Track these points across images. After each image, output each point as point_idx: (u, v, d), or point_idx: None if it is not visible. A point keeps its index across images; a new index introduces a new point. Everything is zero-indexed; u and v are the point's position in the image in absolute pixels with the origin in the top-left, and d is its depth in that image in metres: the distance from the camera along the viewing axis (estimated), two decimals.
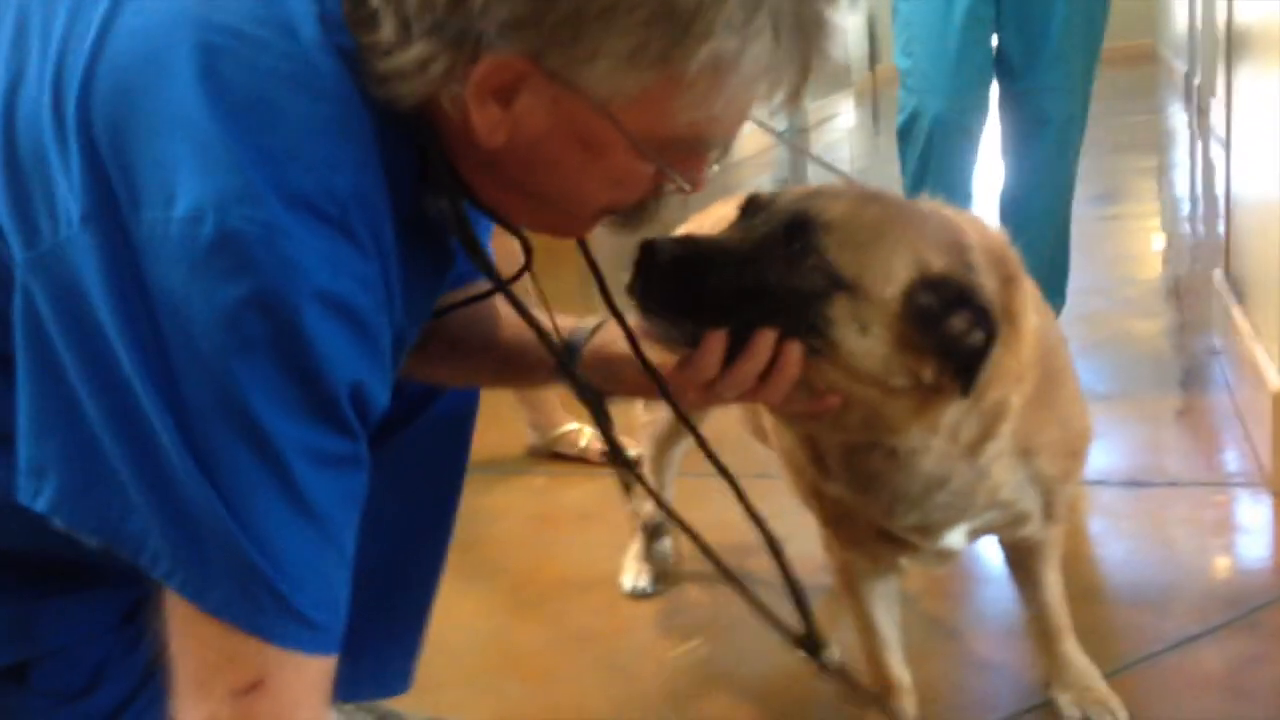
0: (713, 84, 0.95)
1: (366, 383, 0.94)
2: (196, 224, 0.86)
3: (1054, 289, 2.91)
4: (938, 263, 1.18)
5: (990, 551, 1.68)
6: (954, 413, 1.23)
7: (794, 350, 1.14)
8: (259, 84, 0.90)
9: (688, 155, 1.04)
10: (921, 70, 2.76)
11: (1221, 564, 2.07)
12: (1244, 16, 2.93)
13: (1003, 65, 2.79)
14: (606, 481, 2.62)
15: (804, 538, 1.57)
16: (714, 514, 2.45)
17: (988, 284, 1.20)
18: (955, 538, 1.41)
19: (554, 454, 2.78)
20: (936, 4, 2.71)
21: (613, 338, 1.26)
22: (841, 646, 1.71)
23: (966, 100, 2.75)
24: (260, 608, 0.90)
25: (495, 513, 2.56)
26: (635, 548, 2.17)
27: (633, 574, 2.14)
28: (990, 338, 1.16)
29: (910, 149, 2.81)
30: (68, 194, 0.88)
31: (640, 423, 2.11)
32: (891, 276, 1.16)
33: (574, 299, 1.38)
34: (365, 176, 0.94)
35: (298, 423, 0.90)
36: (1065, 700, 1.64)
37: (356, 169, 0.93)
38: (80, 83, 0.90)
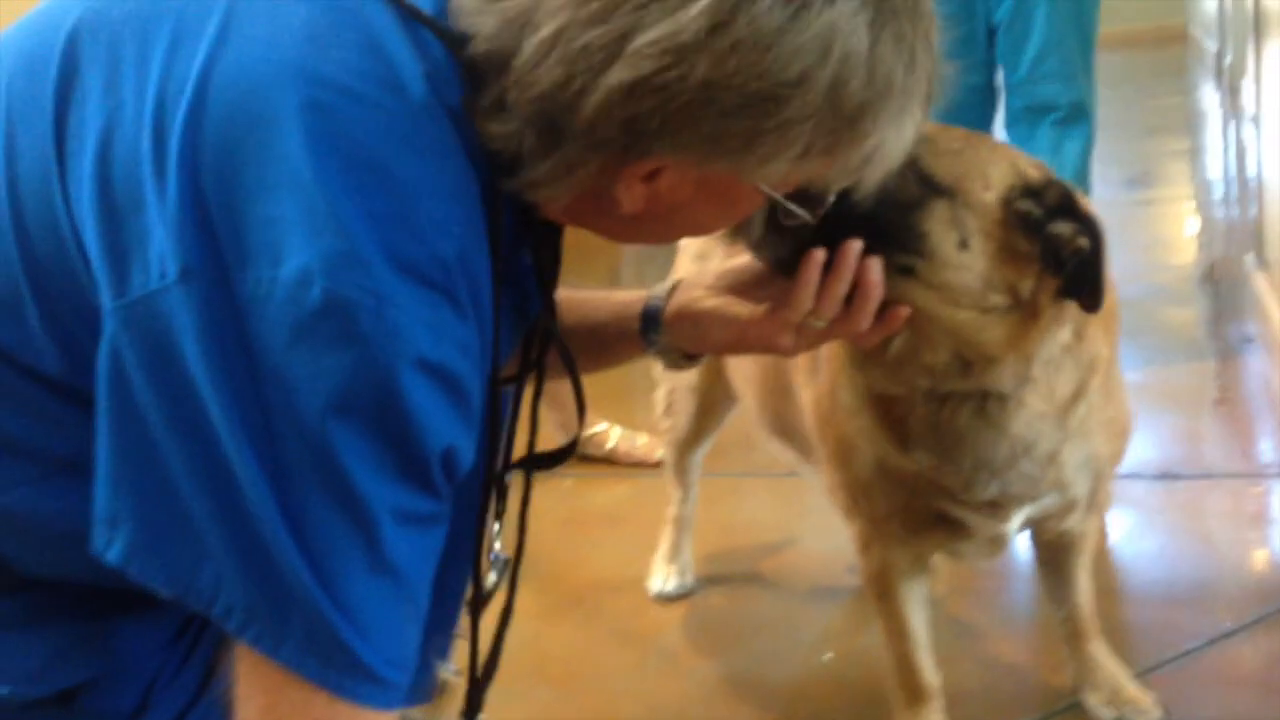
0: (866, 164, 0.99)
1: (458, 445, 0.95)
2: (304, 287, 0.86)
3: None
4: (1034, 172, 1.18)
5: (1015, 551, 1.66)
6: (1056, 348, 1.22)
7: (875, 267, 1.12)
8: (367, 145, 0.90)
9: (816, 192, 1.06)
10: None
11: (1258, 557, 2.05)
12: None
13: (1000, 60, 2.76)
14: (635, 483, 2.62)
15: (827, 537, 1.57)
16: (733, 514, 2.47)
17: (1102, 230, 1.20)
18: (1016, 522, 1.39)
19: (582, 455, 2.78)
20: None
21: (693, 298, 1.25)
22: (863, 651, 1.71)
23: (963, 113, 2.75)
24: (333, 663, 0.91)
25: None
26: (662, 549, 2.16)
27: (661, 577, 2.13)
28: (1097, 244, 1.15)
29: None
30: (164, 242, 0.88)
31: (661, 428, 2.11)
32: (991, 182, 1.17)
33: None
34: (469, 238, 0.94)
35: (389, 485, 0.91)
36: (1096, 701, 1.62)
37: (462, 231, 0.93)
38: (184, 129, 0.89)
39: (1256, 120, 3.13)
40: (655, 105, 0.91)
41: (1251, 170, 3.43)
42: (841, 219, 1.12)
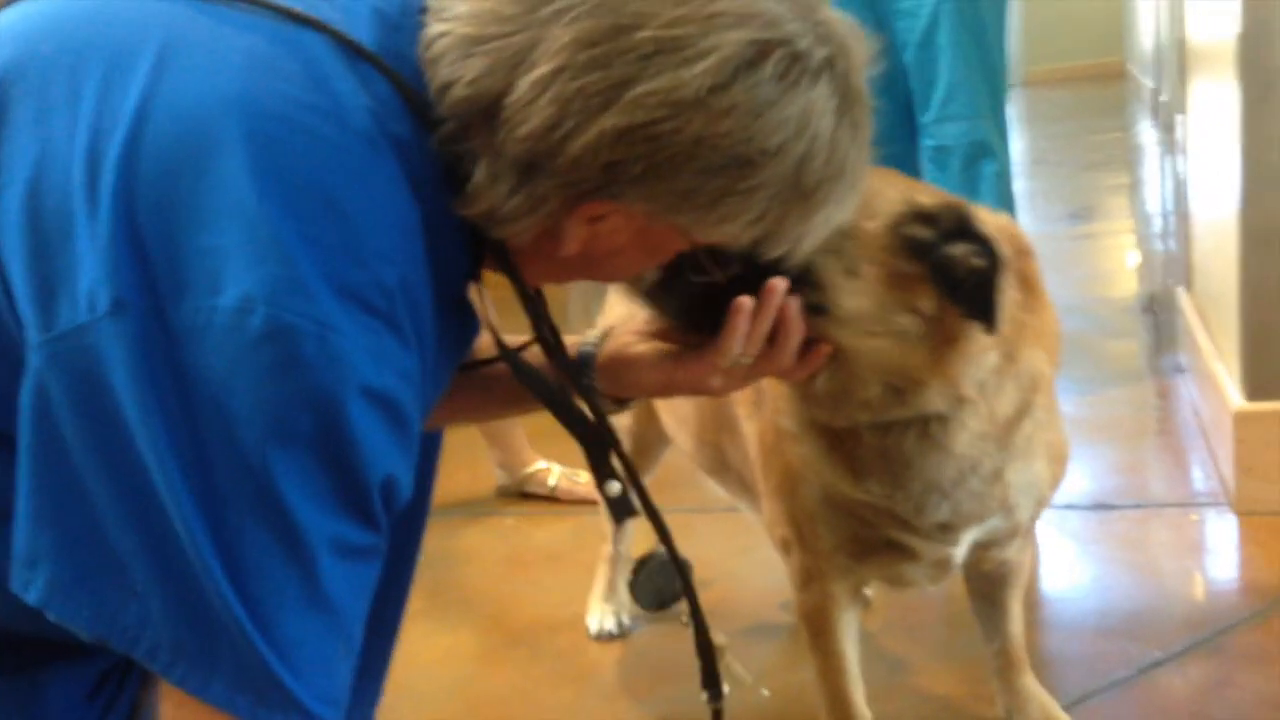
0: (803, 236, 1.04)
1: (397, 475, 0.95)
2: (245, 314, 0.85)
3: None
4: (928, 200, 1.21)
5: (952, 588, 1.66)
6: (983, 374, 1.24)
7: (793, 305, 1.15)
8: (310, 174, 0.90)
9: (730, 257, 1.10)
10: None
11: (1188, 587, 2.07)
12: (1196, 34, 2.96)
13: (913, 99, 2.80)
14: (576, 521, 2.61)
15: (764, 573, 1.57)
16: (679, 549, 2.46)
17: (1002, 250, 1.21)
18: (964, 544, 1.40)
19: (523, 493, 2.77)
20: None
21: (625, 343, 1.27)
22: (798, 687, 1.70)
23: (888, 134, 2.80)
24: (265, 700, 0.90)
25: (464, 555, 2.55)
26: (598, 588, 2.15)
27: (598, 616, 2.12)
28: (994, 263, 1.17)
29: None
30: (95, 274, 0.87)
31: None
32: (875, 211, 1.19)
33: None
34: (412, 267, 0.95)
35: (329, 516, 0.90)
36: None
37: (404, 259, 0.94)
38: (119, 160, 0.88)
39: (1185, 157, 3.20)
40: (643, 153, 0.93)
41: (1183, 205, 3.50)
42: (736, 277, 1.13)
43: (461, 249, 1.03)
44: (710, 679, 1.30)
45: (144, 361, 0.86)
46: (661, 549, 1.22)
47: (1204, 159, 2.76)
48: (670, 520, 2.62)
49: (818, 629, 1.53)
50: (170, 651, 0.89)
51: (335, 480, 0.89)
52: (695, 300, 1.16)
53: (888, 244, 1.19)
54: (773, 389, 1.43)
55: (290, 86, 0.92)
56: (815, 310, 1.19)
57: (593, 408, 1.23)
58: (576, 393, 1.25)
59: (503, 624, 2.22)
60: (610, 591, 2.14)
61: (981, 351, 1.25)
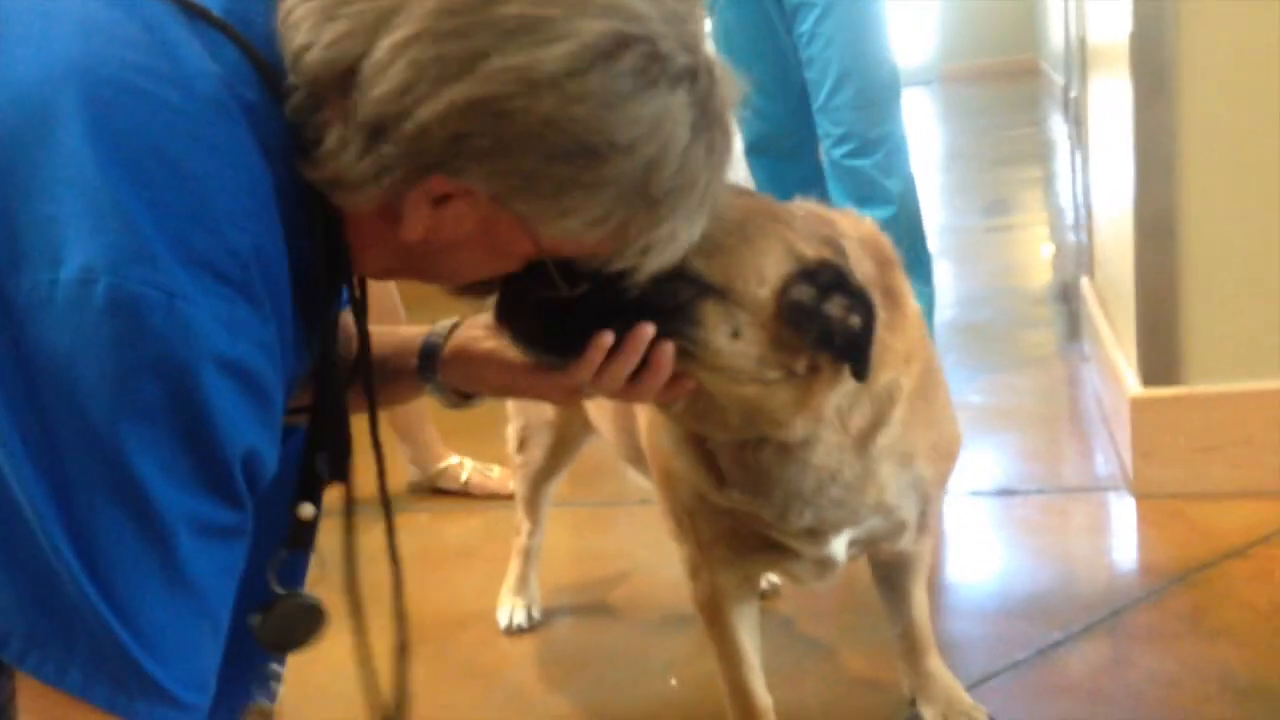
0: (649, 250, 1.02)
1: (259, 449, 0.92)
2: (87, 286, 0.82)
3: (920, 278, 2.95)
4: (810, 252, 1.19)
5: (860, 573, 1.68)
6: (841, 398, 1.25)
7: (666, 351, 1.13)
8: (154, 140, 0.87)
9: (579, 266, 1.07)
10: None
11: (1087, 569, 2.12)
12: (1094, 33, 3.03)
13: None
14: (488, 516, 2.60)
15: (674, 564, 1.57)
16: (588, 543, 2.47)
17: (864, 269, 1.23)
18: (840, 545, 1.41)
19: (435, 489, 2.75)
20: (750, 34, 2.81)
21: (472, 337, 1.25)
22: (706, 675, 1.71)
23: (788, 124, 2.86)
24: (124, 687, 0.87)
25: (376, 552, 2.52)
26: (509, 582, 2.15)
27: (507, 610, 2.12)
28: (869, 319, 1.18)
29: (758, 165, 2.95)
30: None
31: (515, 463, 2.10)
32: (765, 276, 1.17)
33: None
34: (265, 233, 0.92)
35: (187, 493, 0.87)
36: (931, 714, 1.66)
37: (257, 226, 0.91)
38: None
39: (1085, 152, 3.27)
40: (491, 128, 0.92)
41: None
42: (618, 304, 1.11)
43: (311, 215, 1.00)
44: None
45: None
46: (301, 593, 1.14)
47: (1103, 152, 2.83)
48: (585, 513, 2.65)
49: (710, 618, 1.55)
50: (23, 640, 0.86)
51: (191, 456, 0.87)
52: (544, 319, 1.13)
53: (775, 310, 1.17)
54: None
55: (130, 52, 0.90)
56: (680, 352, 1.16)
57: (444, 399, 1.22)
58: (422, 381, 1.24)
59: (413, 620, 2.20)
60: (521, 585, 2.14)
61: (834, 394, 1.25)
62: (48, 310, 0.83)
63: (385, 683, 2.01)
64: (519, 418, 2.04)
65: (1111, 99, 2.56)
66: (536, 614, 2.12)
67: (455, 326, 1.26)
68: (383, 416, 2.76)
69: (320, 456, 1.08)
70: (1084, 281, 3.18)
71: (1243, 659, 1.73)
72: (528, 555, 2.14)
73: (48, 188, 0.84)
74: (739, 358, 1.17)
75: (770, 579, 2.04)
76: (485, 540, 2.46)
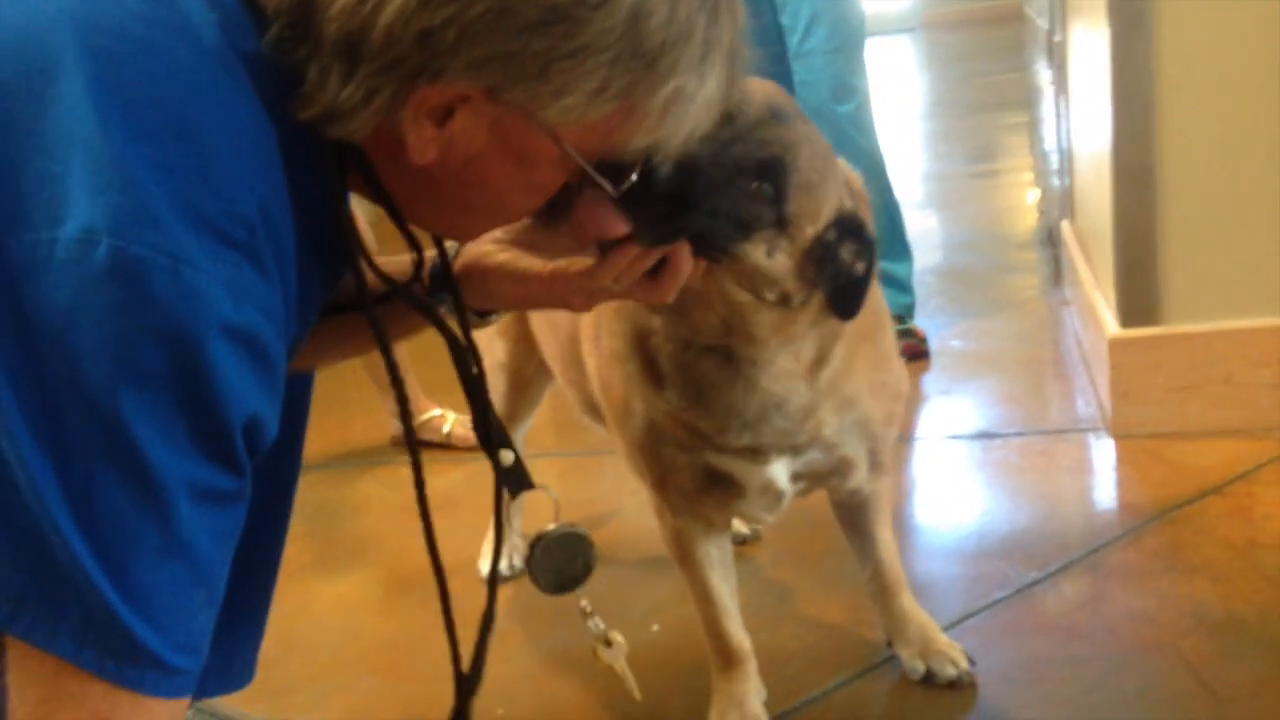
0: (665, 115, 0.97)
1: (262, 415, 0.91)
2: (88, 247, 0.80)
3: (897, 250, 2.94)
4: (847, 202, 1.29)
5: (833, 517, 1.69)
6: (803, 325, 1.30)
7: (688, 257, 1.13)
8: (158, 94, 0.85)
9: (619, 165, 1.04)
10: None
11: (1065, 509, 2.13)
12: None
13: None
14: (471, 468, 2.60)
15: (638, 510, 1.58)
16: (569, 494, 2.47)
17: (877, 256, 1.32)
18: (780, 472, 1.42)
19: (417, 441, 2.74)
20: None
21: (483, 252, 1.22)
22: (688, 620, 1.72)
23: (768, 72, 2.84)
24: (113, 651, 0.86)
25: (358, 505, 2.53)
26: (492, 531, 2.15)
27: (489, 558, 2.12)
28: (869, 268, 1.27)
29: None
30: None
31: None
32: (819, 219, 1.25)
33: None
34: (271, 193, 0.90)
35: (186, 459, 0.86)
36: (907, 655, 1.67)
37: (263, 185, 0.89)
38: None
39: (1067, 96, 3.26)
40: (451, 15, 0.89)
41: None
42: (698, 206, 1.12)
43: (321, 169, 0.98)
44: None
45: None
46: (556, 524, 1.17)
47: (1083, 96, 2.81)
48: (568, 462, 2.65)
49: (680, 558, 1.57)
50: (13, 603, 0.85)
51: (192, 422, 0.85)
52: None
53: (809, 248, 1.25)
54: (604, 309, 1.44)
55: (132, 1, 0.88)
56: (709, 259, 1.20)
57: (461, 325, 1.20)
58: (435, 304, 1.21)
59: (395, 572, 2.22)
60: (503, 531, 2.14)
61: (823, 321, 1.32)
62: (47, 270, 0.81)
63: (362, 633, 2.02)
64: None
65: (1091, 43, 2.54)
66: (518, 562, 2.12)
67: (462, 248, 1.24)
68: (363, 369, 2.76)
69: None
70: (1065, 225, 3.18)
71: (1219, 594, 1.74)
72: (509, 505, 2.14)
73: (49, 144, 0.82)
74: (760, 274, 1.23)
75: (749, 525, 2.05)
76: (468, 491, 2.46)
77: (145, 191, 0.82)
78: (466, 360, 1.17)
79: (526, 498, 2.15)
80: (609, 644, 1.33)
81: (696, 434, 1.39)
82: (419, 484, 1.18)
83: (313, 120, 0.95)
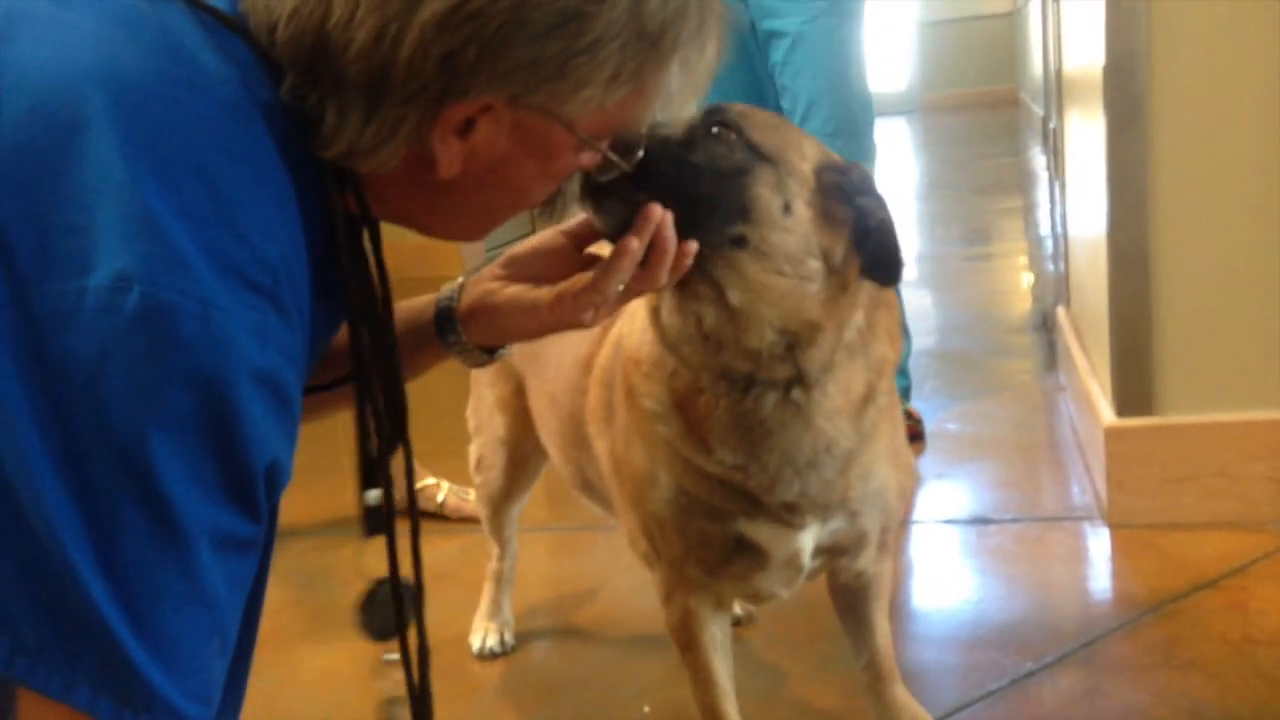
0: (671, 86, 1.03)
1: (281, 460, 0.91)
2: (120, 294, 0.81)
3: None
4: (837, 156, 1.29)
5: (828, 600, 1.68)
6: (853, 332, 1.30)
7: (668, 223, 1.14)
8: (181, 147, 0.86)
9: (630, 139, 1.10)
10: None
11: (1060, 599, 2.12)
12: (1071, 64, 3.06)
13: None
14: (464, 540, 2.58)
15: (649, 590, 1.57)
16: (561, 568, 2.46)
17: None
18: (808, 541, 1.41)
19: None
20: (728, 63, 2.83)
21: (487, 290, 1.24)
22: (679, 702, 1.71)
23: None
24: (130, 702, 0.85)
25: (347, 575, 2.50)
26: (483, 607, 2.14)
27: (480, 635, 2.11)
28: (891, 220, 1.27)
29: None
30: None
31: (475, 483, 2.09)
32: (805, 154, 1.27)
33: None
34: (291, 243, 0.91)
35: (210, 505, 0.86)
36: None
37: (284, 235, 0.91)
38: None
39: (1062, 182, 3.30)
40: (470, 35, 0.91)
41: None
42: (677, 190, 1.17)
43: (323, 211, 1.00)
44: None
45: (3, 351, 0.81)
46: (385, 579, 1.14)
47: (1078, 183, 2.85)
48: (560, 538, 2.64)
49: (684, 643, 1.54)
50: (32, 654, 0.84)
51: (218, 466, 0.86)
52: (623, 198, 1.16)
53: (816, 187, 1.26)
54: (627, 380, 1.44)
55: (151, 58, 0.89)
56: (734, 243, 1.22)
57: (464, 357, 1.22)
58: (445, 345, 1.24)
59: (384, 644, 2.19)
60: (495, 609, 2.13)
61: (857, 308, 1.31)
62: (76, 318, 0.81)
63: (349, 705, 2.00)
64: (478, 437, 2.04)
65: (1087, 130, 2.58)
66: (510, 639, 2.11)
67: (463, 286, 1.25)
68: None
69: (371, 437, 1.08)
70: (1060, 311, 3.20)
71: (1214, 691, 1.73)
72: (500, 580, 2.13)
73: (77, 196, 0.83)
74: (789, 235, 1.23)
75: (745, 606, 2.04)
76: (460, 564, 2.45)
77: (174, 239, 0.83)
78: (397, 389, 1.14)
79: (518, 570, 2.15)
80: (395, 703, 1.31)
81: (741, 495, 1.37)
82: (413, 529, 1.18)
83: (337, 160, 0.97)
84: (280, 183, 0.92)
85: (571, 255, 1.22)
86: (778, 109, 2.84)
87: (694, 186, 1.20)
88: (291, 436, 0.93)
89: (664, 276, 1.17)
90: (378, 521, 1.11)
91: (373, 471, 1.10)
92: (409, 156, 0.98)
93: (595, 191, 1.17)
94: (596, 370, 1.58)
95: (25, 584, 0.84)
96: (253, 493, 0.89)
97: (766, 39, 2.77)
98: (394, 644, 1.19)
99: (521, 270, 1.23)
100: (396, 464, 1.14)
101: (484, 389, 1.98)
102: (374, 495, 1.09)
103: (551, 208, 1.15)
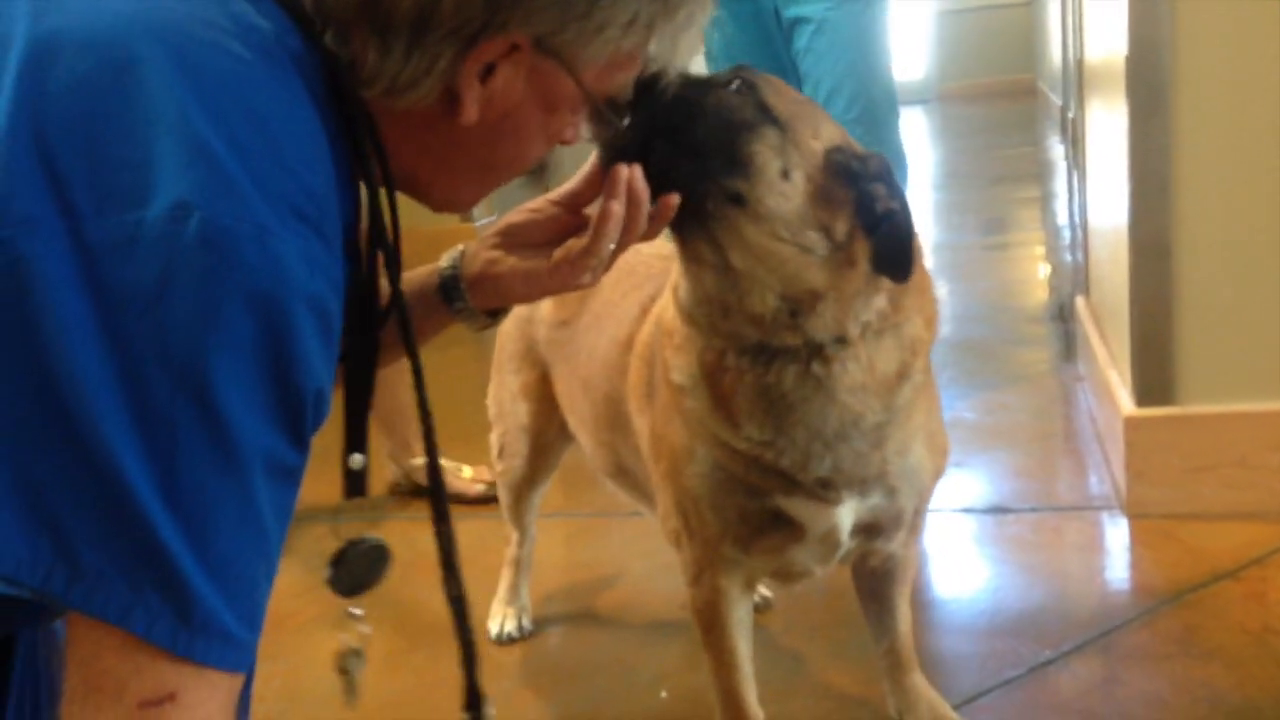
0: (676, 43, 1.07)
1: (326, 391, 0.93)
2: (180, 222, 0.83)
3: None
4: (859, 147, 1.30)
5: (850, 588, 1.68)
6: (871, 312, 1.30)
7: (638, 175, 1.17)
8: (228, 84, 0.89)
9: (621, 102, 1.13)
10: None
11: (1079, 588, 2.11)
12: (1092, 53, 3.04)
13: None
14: (476, 524, 2.58)
15: (666, 576, 1.57)
16: (578, 554, 2.47)
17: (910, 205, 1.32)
18: (846, 516, 1.41)
19: (417, 487, 2.72)
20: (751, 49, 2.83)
21: (490, 260, 1.28)
22: (696, 688, 1.71)
23: None
24: (186, 623, 0.87)
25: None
26: (501, 592, 2.15)
27: (498, 620, 2.12)
28: (906, 213, 1.26)
29: None
30: None
31: (496, 470, 2.10)
32: (820, 133, 1.27)
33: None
34: (330, 177, 0.94)
35: (266, 428, 0.88)
36: None
37: (322, 170, 0.93)
38: (17, 84, 0.86)
39: (1082, 171, 3.28)
40: None
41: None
42: (682, 125, 1.20)
43: (348, 162, 1.02)
44: (473, 699, 1.29)
45: (58, 279, 0.83)
46: (368, 535, 1.17)
47: (1099, 172, 2.83)
48: (577, 524, 2.64)
49: (709, 624, 1.54)
50: (90, 580, 0.85)
51: (274, 390, 0.87)
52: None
53: (824, 164, 1.26)
54: (663, 353, 1.45)
55: (190, 6, 0.93)
56: (731, 200, 1.23)
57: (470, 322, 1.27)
58: (452, 312, 1.28)
59: (402, 629, 2.20)
60: (512, 594, 2.13)
61: (875, 290, 1.31)
62: (135, 248, 0.83)
63: (368, 689, 2.01)
64: (499, 424, 2.04)
65: (1108, 119, 2.57)
66: (527, 624, 2.12)
67: (462, 256, 1.29)
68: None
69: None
70: (1079, 301, 3.19)
71: (1233, 681, 1.73)
72: (518, 565, 2.14)
73: (133, 129, 0.85)
74: (784, 200, 1.24)
75: (762, 592, 2.04)
76: (477, 549, 2.44)
77: (228, 168, 0.85)
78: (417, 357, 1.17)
79: (535, 556, 2.16)
80: (358, 654, 1.33)
81: (775, 472, 1.37)
82: (441, 517, 1.22)
83: (377, 98, 1.00)
84: (313, 123, 0.95)
85: (563, 219, 1.26)
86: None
87: (698, 130, 1.22)
88: (333, 368, 0.95)
89: (644, 225, 1.20)
90: (357, 486, 1.11)
91: (357, 435, 1.10)
92: (444, 93, 1.01)
93: (611, 151, 1.21)
94: (638, 346, 1.59)
95: (83, 510, 0.85)
96: (301, 419, 0.91)
97: (791, 26, 2.76)
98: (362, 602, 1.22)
99: (517, 239, 1.27)
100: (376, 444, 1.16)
101: (507, 376, 1.98)
102: (357, 460, 1.10)
103: (542, 176, 1.19)
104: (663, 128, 1.20)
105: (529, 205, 1.29)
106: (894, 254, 1.27)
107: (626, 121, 1.14)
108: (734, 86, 1.26)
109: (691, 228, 1.26)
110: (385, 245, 1.07)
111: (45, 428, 0.84)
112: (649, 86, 1.20)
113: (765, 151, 1.23)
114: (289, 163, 0.90)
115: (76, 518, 0.85)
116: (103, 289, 0.83)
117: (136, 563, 0.85)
